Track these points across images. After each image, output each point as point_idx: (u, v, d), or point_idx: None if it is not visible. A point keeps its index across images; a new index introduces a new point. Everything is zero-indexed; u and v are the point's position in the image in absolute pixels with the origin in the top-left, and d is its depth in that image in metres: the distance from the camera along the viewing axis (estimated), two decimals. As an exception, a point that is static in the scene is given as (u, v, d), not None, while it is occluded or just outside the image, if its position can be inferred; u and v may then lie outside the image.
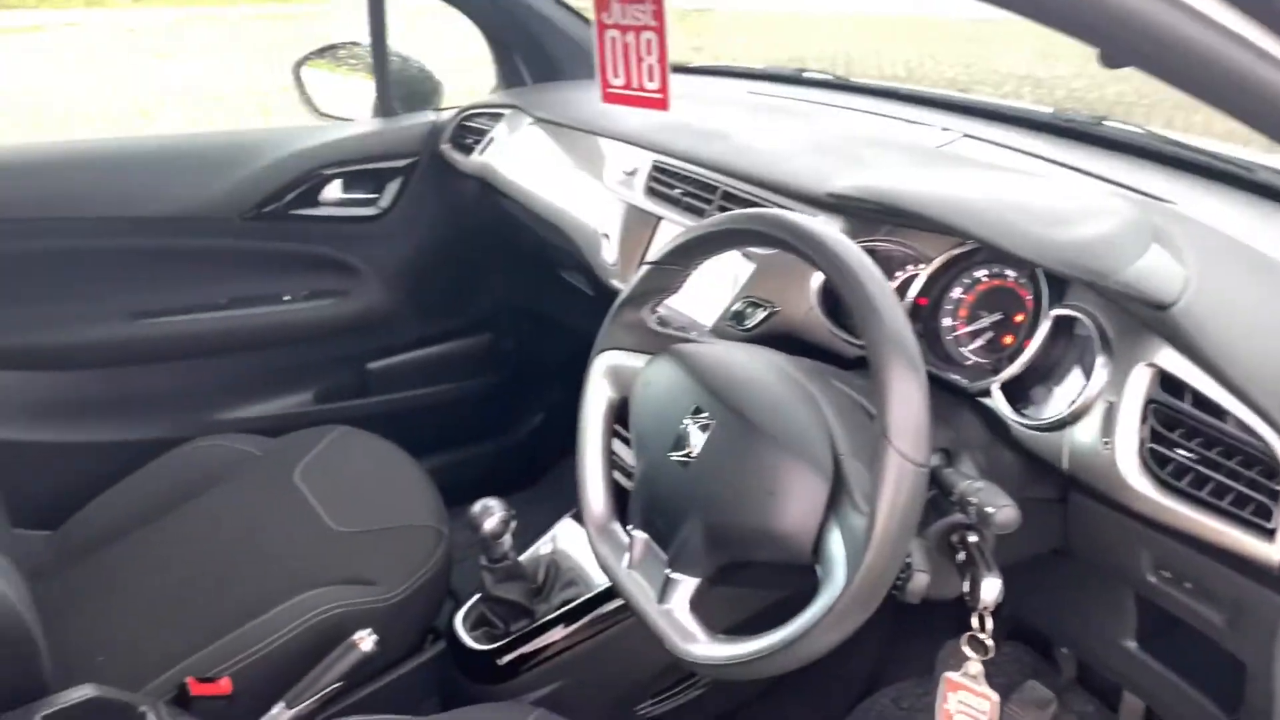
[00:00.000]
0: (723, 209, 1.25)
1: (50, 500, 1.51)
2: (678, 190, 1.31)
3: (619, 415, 1.01)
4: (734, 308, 1.18)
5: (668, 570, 0.86)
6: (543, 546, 1.40)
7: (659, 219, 1.34)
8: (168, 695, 1.13)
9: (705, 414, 0.84)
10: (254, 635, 1.18)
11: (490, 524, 1.22)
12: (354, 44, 1.89)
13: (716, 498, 0.82)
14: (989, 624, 0.82)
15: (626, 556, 0.92)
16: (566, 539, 1.41)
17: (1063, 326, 0.93)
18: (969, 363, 1.03)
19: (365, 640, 1.18)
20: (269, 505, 1.40)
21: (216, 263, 1.74)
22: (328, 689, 1.16)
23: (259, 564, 1.30)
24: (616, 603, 1.29)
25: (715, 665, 0.81)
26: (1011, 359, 0.95)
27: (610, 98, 1.11)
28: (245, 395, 1.81)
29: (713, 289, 1.20)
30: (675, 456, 0.85)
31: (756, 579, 0.88)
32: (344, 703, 1.22)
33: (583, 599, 1.29)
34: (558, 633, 1.28)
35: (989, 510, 0.75)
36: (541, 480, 2.20)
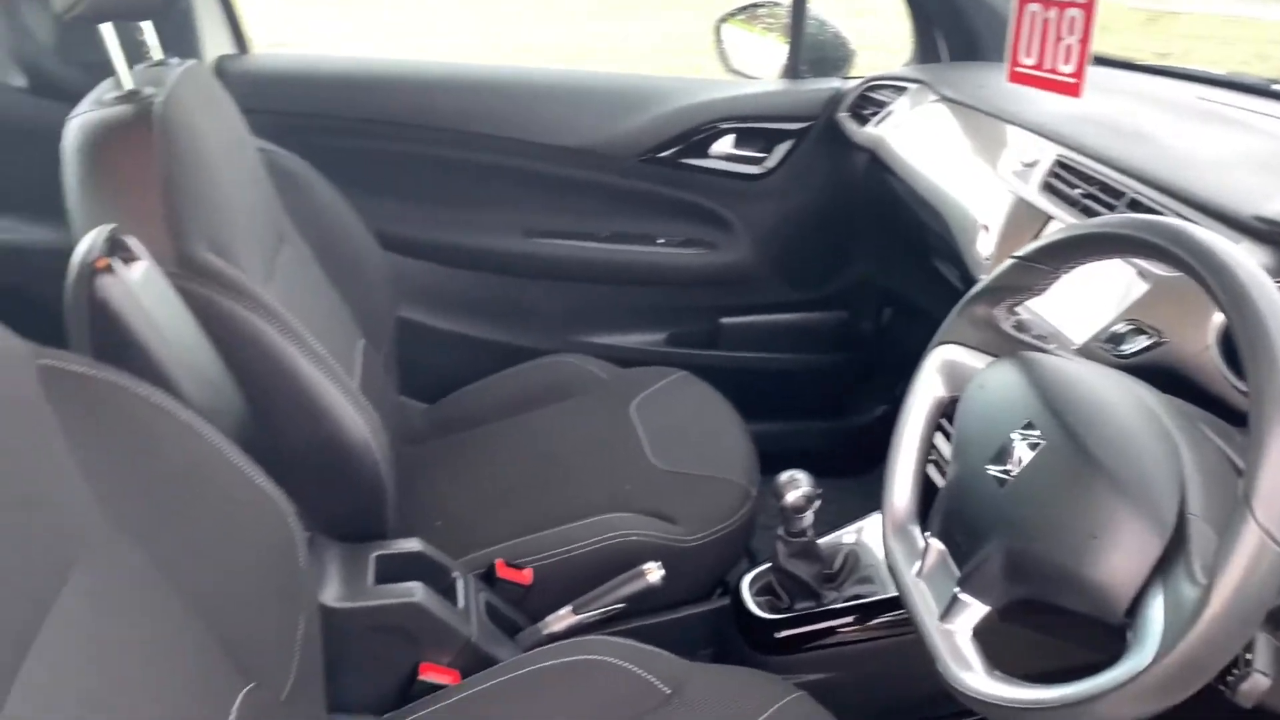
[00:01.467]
0: (1128, 218, 1.10)
1: (432, 379, 1.72)
2: (1078, 190, 1.18)
3: (946, 415, 0.94)
4: (1113, 329, 1.04)
5: (957, 589, 0.79)
6: (846, 536, 1.36)
7: (1048, 218, 1.21)
8: (478, 570, 1.25)
9: (1037, 431, 0.75)
10: (560, 538, 1.27)
11: (793, 496, 1.20)
12: (775, 4, 1.90)
13: (1028, 525, 0.73)
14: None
15: (918, 564, 0.86)
16: (872, 534, 1.35)
17: None
18: None
19: (653, 572, 1.22)
20: (603, 427, 1.49)
21: (605, 197, 1.86)
22: (611, 607, 1.22)
23: (580, 478, 1.40)
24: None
25: (985, 702, 0.73)
26: None
27: (1017, 77, 1.01)
28: (605, 323, 1.93)
29: (1091, 303, 1.06)
30: (993, 470, 0.77)
31: (1052, 626, 0.78)
32: (624, 625, 1.28)
33: (879, 598, 1.23)
34: (844, 623, 1.23)
35: None
36: (869, 474, 2.12)
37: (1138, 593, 0.66)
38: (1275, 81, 1.49)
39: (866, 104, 1.76)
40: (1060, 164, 1.23)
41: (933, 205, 1.46)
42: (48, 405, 0.68)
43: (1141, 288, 1.04)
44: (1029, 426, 0.76)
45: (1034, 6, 0.96)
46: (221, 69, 1.74)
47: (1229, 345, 0.95)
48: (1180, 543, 0.65)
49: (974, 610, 0.78)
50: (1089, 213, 1.15)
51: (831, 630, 1.23)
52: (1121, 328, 1.03)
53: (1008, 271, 0.86)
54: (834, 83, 1.86)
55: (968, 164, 1.43)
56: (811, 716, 1.02)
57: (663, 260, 1.88)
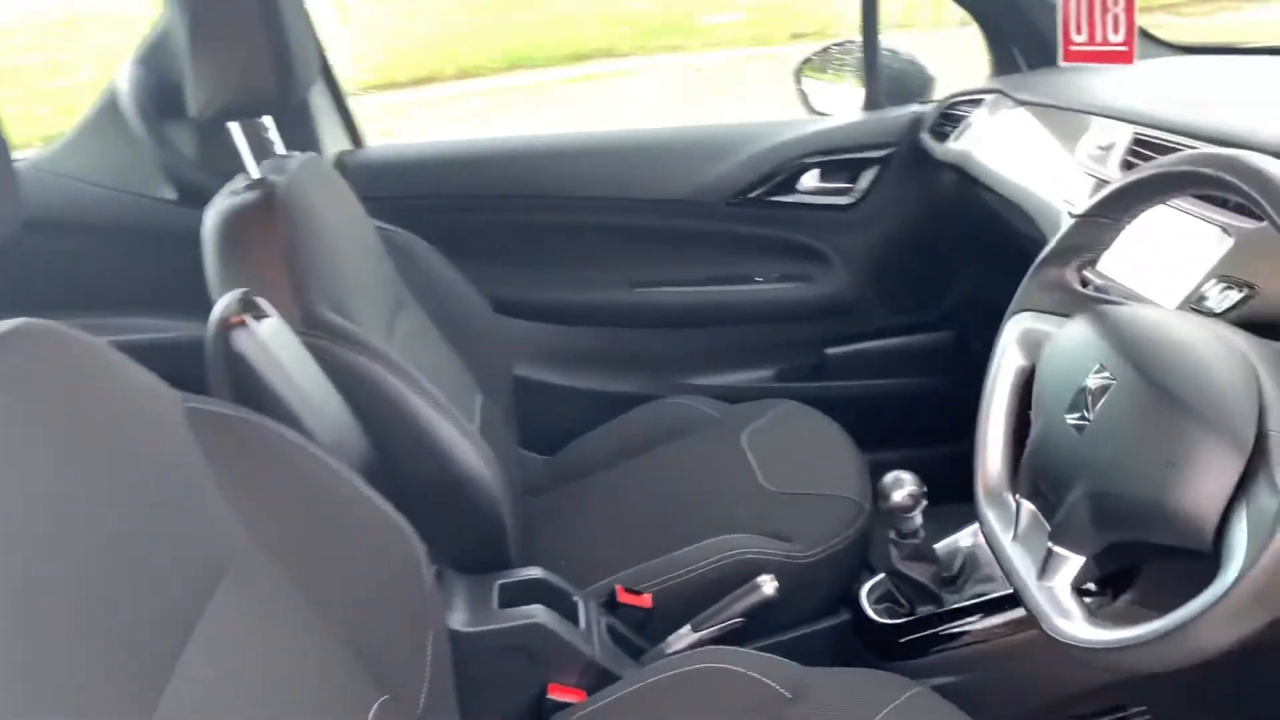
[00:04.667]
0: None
1: (550, 431, 1.80)
2: (1157, 163, 1.17)
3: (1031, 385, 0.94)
4: (1203, 289, 1.02)
5: (1050, 544, 0.79)
6: (963, 539, 1.34)
7: (1131, 195, 1.21)
8: (601, 597, 1.29)
9: (1106, 372, 0.76)
10: (679, 561, 1.31)
11: (899, 495, 1.20)
12: (849, 42, 1.96)
13: (1108, 465, 0.73)
14: None
15: (1012, 529, 0.86)
16: (990, 534, 1.33)
17: None
18: None
19: (767, 584, 1.24)
20: (716, 459, 1.53)
21: (701, 243, 1.93)
22: (730, 622, 1.24)
23: (697, 505, 1.44)
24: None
25: (1087, 647, 0.72)
26: None
27: (1071, 55, 1.03)
28: (712, 364, 1.98)
29: (1177, 266, 1.05)
30: (1071, 419, 0.78)
31: (1148, 567, 0.77)
32: (744, 645, 1.29)
33: (1001, 594, 1.21)
34: (970, 622, 1.21)
35: None
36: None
37: (1222, 515, 0.65)
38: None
39: (948, 122, 1.78)
40: (1138, 141, 1.23)
41: (1019, 206, 1.47)
42: (194, 441, 0.78)
43: (1227, 244, 1.02)
44: (1099, 370, 0.77)
45: (1077, -15, 0.98)
46: (341, 163, 1.92)
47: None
48: (1261, 459, 0.65)
49: (1071, 563, 0.78)
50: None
51: (954, 631, 1.21)
52: (1210, 286, 1.02)
53: (1072, 231, 0.87)
54: (913, 107, 1.90)
55: (1047, 160, 1.43)
56: (936, 709, 1.01)
57: (762, 297, 1.93)
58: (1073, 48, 1.02)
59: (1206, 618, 0.62)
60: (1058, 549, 0.78)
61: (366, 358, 1.15)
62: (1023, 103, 1.58)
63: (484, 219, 1.94)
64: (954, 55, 2.10)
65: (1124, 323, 0.79)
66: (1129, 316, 0.80)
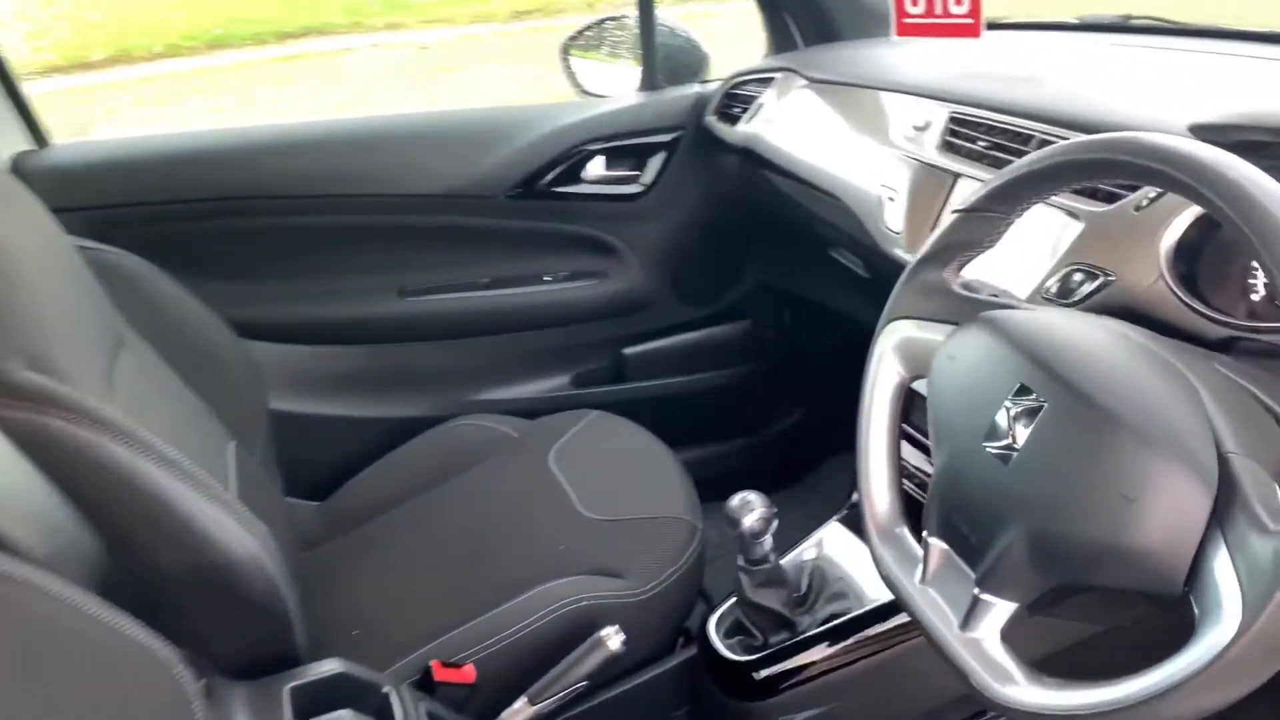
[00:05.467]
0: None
1: (320, 472, 1.55)
2: (981, 143, 1.12)
3: (909, 400, 0.84)
4: (1055, 277, 0.97)
5: (976, 590, 0.68)
6: (806, 552, 1.25)
7: (956, 176, 1.15)
8: (412, 677, 1.08)
9: (1033, 395, 0.66)
10: (501, 621, 1.12)
11: (750, 520, 1.08)
12: (622, 17, 1.82)
13: (1050, 502, 0.63)
14: None
15: (919, 570, 0.76)
16: (834, 545, 1.25)
17: None
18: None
19: (613, 638, 1.08)
20: (523, 487, 1.35)
21: (480, 241, 1.73)
22: (572, 688, 1.08)
23: (507, 549, 1.25)
24: (894, 621, 1.12)
25: (1043, 715, 0.62)
26: None
27: (906, 29, 0.94)
28: (503, 376, 1.79)
29: (1027, 256, 0.99)
30: (992, 448, 0.68)
31: (1092, 611, 0.69)
32: (588, 703, 1.13)
33: (854, 614, 1.13)
34: (825, 650, 1.12)
35: None
36: (801, 481, 2.04)
37: (1195, 554, 0.57)
38: (1131, 16, 1.48)
39: (734, 102, 1.69)
40: (955, 120, 1.17)
41: (825, 191, 1.39)
42: None
43: (1076, 228, 0.97)
44: (1022, 392, 0.67)
45: (912, -50, 0.89)
46: (20, 168, 1.54)
47: (1183, 271, 0.89)
48: (1231, 487, 0.56)
49: (999, 610, 0.68)
50: (999, 163, 1.09)
51: (816, 660, 1.12)
52: (1063, 274, 0.97)
53: (954, 227, 0.77)
54: (694, 87, 1.79)
55: (853, 141, 1.36)
56: None
57: (552, 299, 1.76)
58: (907, 20, 0.93)
59: (1203, 676, 0.53)
60: (985, 596, 0.67)
61: (83, 427, 0.87)
62: (816, 81, 1.51)
63: (213, 227, 1.63)
64: (721, 33, 2.03)
65: (1033, 333, 0.70)
66: (1037, 324, 0.71)
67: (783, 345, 1.94)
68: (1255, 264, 0.88)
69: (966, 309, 0.78)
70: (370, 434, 1.65)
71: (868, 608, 1.13)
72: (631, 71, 1.85)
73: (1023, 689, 0.64)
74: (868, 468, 0.82)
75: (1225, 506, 0.56)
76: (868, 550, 1.17)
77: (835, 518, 1.27)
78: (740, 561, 1.13)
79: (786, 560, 1.21)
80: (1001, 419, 0.67)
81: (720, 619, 1.20)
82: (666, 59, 1.82)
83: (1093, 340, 0.69)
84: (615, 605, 1.14)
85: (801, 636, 1.13)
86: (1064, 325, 0.71)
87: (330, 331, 1.68)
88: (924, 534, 0.74)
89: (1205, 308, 0.87)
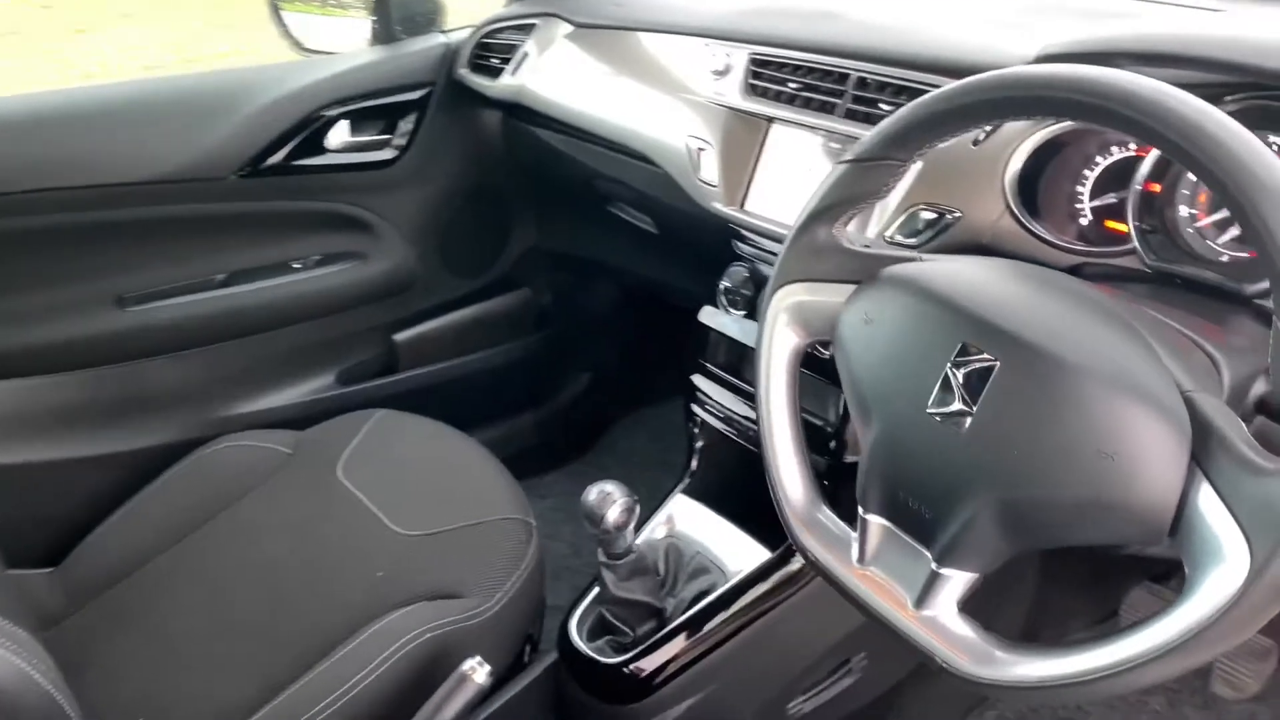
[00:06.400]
0: (860, 99, 1.01)
1: (49, 530, 1.27)
2: (793, 84, 1.07)
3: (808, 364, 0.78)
4: (899, 219, 0.94)
5: (934, 565, 0.64)
6: (656, 531, 1.18)
7: (769, 121, 1.10)
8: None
9: (983, 354, 0.62)
10: (331, 679, 0.96)
11: (615, 514, 0.99)
12: (341, -39, 1.60)
13: (1020, 467, 0.59)
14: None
15: (854, 550, 0.70)
16: (683, 519, 1.18)
17: None
18: (1224, 259, 0.81)
19: (478, 671, 0.95)
20: (314, 512, 1.16)
21: (210, 232, 1.46)
22: (439, 735, 0.94)
23: (316, 587, 1.07)
24: (759, 590, 1.08)
25: (1049, 687, 0.59)
26: None
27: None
28: (261, 384, 1.55)
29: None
30: (940, 414, 0.63)
31: (1056, 571, 0.66)
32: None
33: (720, 591, 1.07)
34: (695, 635, 1.06)
35: None
36: (593, 447, 1.97)
37: (1180, 500, 0.55)
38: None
39: (490, 53, 1.54)
40: (757, 62, 1.12)
41: (618, 145, 1.30)
42: None
43: (913, 166, 0.95)
44: (965, 351, 0.62)
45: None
46: None
47: (1028, 201, 0.89)
48: (1205, 428, 0.55)
49: (955, 582, 0.64)
50: (815, 105, 1.05)
51: (687, 648, 1.06)
52: (906, 214, 0.95)
53: (844, 180, 0.71)
54: (438, 38, 1.62)
55: (642, 91, 1.28)
56: None
57: (304, 289, 1.54)
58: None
59: (1229, 618, 0.52)
60: (945, 570, 0.63)
61: None
62: (584, 26, 1.40)
63: None
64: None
65: (960, 287, 0.66)
66: (963, 278, 0.67)
67: (563, 310, 1.84)
68: (1080, 188, 0.91)
69: (867, 265, 0.72)
70: (106, 475, 1.36)
71: (732, 581, 1.08)
72: (360, 24, 1.64)
73: (1011, 663, 0.61)
74: (774, 450, 0.75)
75: (1203, 448, 0.54)
76: (729, 527, 1.15)
77: (678, 489, 1.21)
78: (602, 558, 1.03)
79: (639, 541, 1.13)
80: (947, 383, 0.62)
81: (580, 620, 1.10)
82: (399, 8, 1.63)
83: (1022, 288, 0.65)
84: (464, 630, 1.01)
85: (672, 625, 1.06)
86: (986, 276, 0.67)
87: (36, 359, 1.36)
88: (860, 512, 0.69)
89: (1052, 236, 0.89)
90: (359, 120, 1.52)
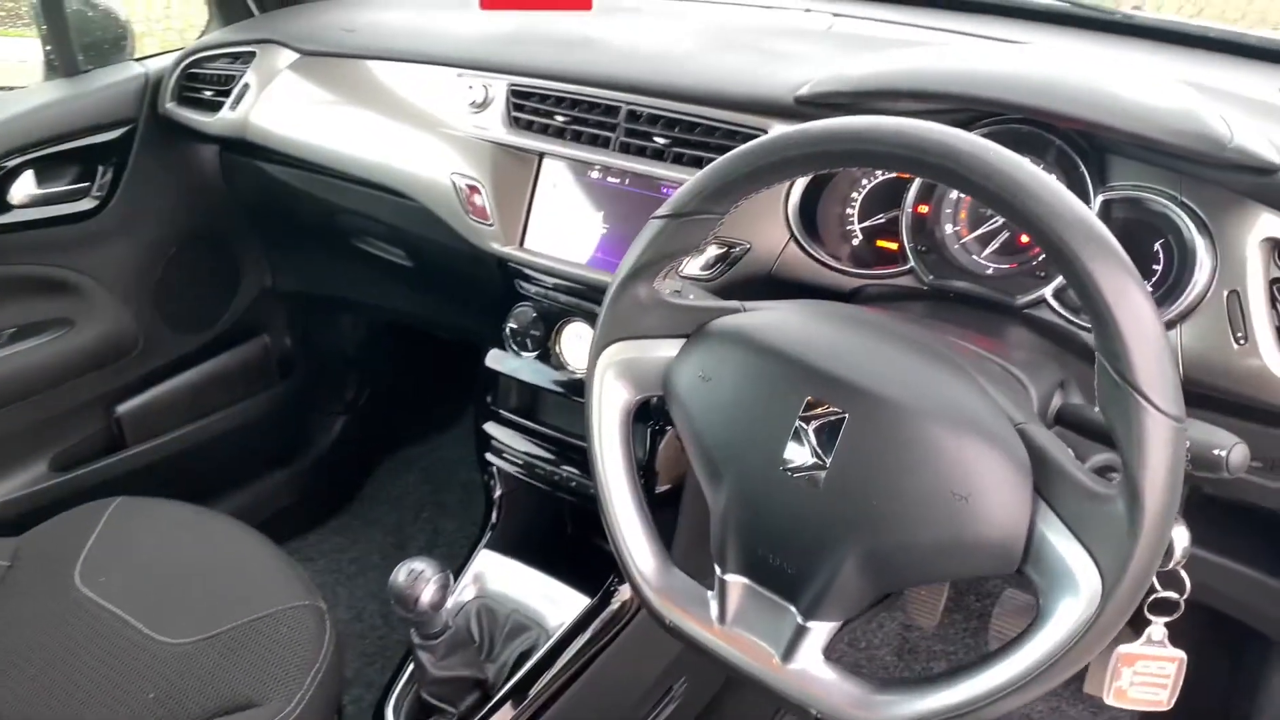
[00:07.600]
0: (634, 132, 1.00)
1: None
2: (560, 117, 1.04)
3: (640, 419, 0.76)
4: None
5: (801, 620, 0.64)
6: (465, 591, 1.11)
7: (540, 155, 1.06)
8: None
9: (830, 407, 0.62)
10: None
11: (429, 594, 0.91)
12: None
13: (880, 516, 0.60)
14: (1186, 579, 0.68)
15: (713, 610, 0.69)
16: (491, 577, 1.12)
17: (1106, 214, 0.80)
18: (989, 271, 0.88)
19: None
20: (53, 633, 0.99)
21: None
22: None
23: None
24: (581, 640, 1.05)
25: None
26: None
27: (490, 2, 0.81)
28: None
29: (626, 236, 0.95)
30: (793, 469, 0.62)
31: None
32: None
33: (545, 650, 1.03)
34: (523, 700, 1.01)
35: (1218, 453, 0.59)
36: (358, 496, 1.84)
37: (1029, 532, 0.58)
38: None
39: (200, 84, 1.38)
40: (517, 93, 1.07)
41: (369, 183, 1.20)
42: None
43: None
44: (816, 407, 0.62)
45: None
46: None
47: (809, 228, 0.92)
48: (1040, 459, 0.58)
49: (818, 633, 0.64)
50: (587, 139, 1.02)
51: (518, 714, 1.01)
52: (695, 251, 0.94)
53: (661, 235, 0.69)
54: (134, 69, 1.42)
55: (388, 124, 1.19)
56: None
57: (3, 367, 1.31)
58: (493, -11, 0.80)
59: (1088, 638, 0.55)
60: (812, 623, 0.63)
61: None
62: (312, 54, 1.29)
63: None
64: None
65: (793, 338, 0.65)
66: (793, 328, 0.66)
67: (306, 354, 1.70)
68: (849, 210, 0.95)
69: (692, 318, 0.71)
70: None
71: (555, 636, 1.04)
72: (28, 52, 1.41)
73: (888, 704, 0.62)
74: (616, 518, 0.72)
75: (1044, 479, 0.58)
76: (541, 578, 1.10)
77: (482, 545, 1.15)
78: (416, 639, 0.96)
79: (449, 609, 1.06)
80: (799, 437, 0.62)
81: (395, 707, 1.02)
82: (80, 33, 1.41)
83: (851, 335, 0.66)
84: None
85: (499, 694, 1.01)
86: (813, 325, 0.68)
87: None
88: (718, 571, 0.67)
89: (836, 261, 0.92)
90: (46, 168, 1.31)
